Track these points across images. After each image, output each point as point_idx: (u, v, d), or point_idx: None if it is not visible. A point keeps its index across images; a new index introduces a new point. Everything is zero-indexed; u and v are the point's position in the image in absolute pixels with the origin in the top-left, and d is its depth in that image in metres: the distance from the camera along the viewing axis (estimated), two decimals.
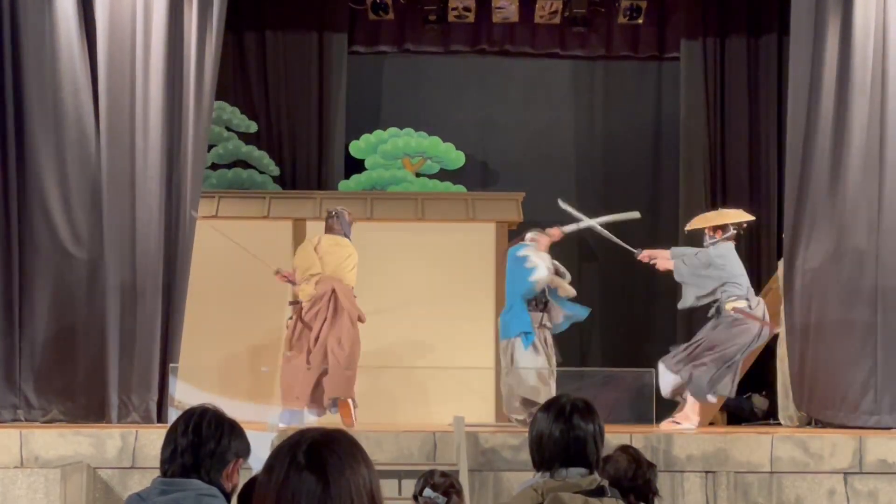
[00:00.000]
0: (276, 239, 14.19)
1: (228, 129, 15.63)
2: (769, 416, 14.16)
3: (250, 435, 4.33)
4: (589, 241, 15.66)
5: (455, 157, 15.54)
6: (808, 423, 12.12)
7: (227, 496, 4.19)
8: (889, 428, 11.47)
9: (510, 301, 12.24)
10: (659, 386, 12.00)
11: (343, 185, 15.46)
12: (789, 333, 12.38)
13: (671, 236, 16.07)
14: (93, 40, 12.04)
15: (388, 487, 9.25)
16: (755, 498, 10.51)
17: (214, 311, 13.69)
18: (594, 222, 13.06)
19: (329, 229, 12.23)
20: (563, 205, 12.83)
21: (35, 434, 10.52)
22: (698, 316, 15.54)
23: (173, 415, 10.44)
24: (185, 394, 11.72)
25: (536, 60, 16.47)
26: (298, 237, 14.21)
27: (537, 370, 11.95)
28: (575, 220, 12.98)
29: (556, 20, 16.22)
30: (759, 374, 14.35)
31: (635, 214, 13.35)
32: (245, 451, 4.23)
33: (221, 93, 14.27)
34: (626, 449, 5.90)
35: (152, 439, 10.32)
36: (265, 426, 10.68)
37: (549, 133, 16.38)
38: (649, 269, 16.09)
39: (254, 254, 12.80)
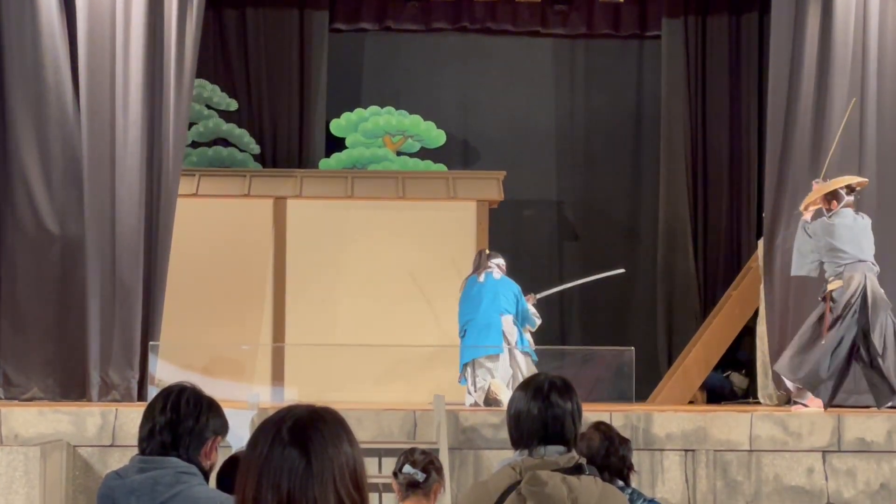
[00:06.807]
0: (257, 217, 14.17)
1: (209, 106, 15.58)
2: (748, 394, 14.20)
3: (229, 413, 4.34)
4: (570, 219, 15.66)
5: (436, 136, 15.51)
6: (787, 402, 12.16)
7: (206, 474, 4.20)
8: (867, 407, 11.51)
9: (492, 321, 12.34)
10: None
11: (324, 163, 15.43)
12: (769, 312, 12.41)
13: (651, 215, 16.09)
14: (73, 17, 11.99)
15: (368, 465, 9.23)
16: (734, 476, 10.56)
17: (195, 289, 13.66)
18: (575, 284, 14.15)
19: None
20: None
21: (15, 412, 10.50)
22: (679, 297, 15.60)
23: (153, 393, 10.43)
24: (166, 372, 11.71)
25: (518, 39, 16.42)
26: (279, 215, 14.19)
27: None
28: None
29: None
30: (739, 353, 14.40)
31: (619, 271, 14.04)
32: (223, 429, 4.24)
33: (202, 70, 14.22)
34: (598, 426, 5.84)
35: (132, 417, 10.31)
36: (244, 404, 10.68)
37: (530, 112, 16.34)
38: (629, 247, 16.13)
39: None
